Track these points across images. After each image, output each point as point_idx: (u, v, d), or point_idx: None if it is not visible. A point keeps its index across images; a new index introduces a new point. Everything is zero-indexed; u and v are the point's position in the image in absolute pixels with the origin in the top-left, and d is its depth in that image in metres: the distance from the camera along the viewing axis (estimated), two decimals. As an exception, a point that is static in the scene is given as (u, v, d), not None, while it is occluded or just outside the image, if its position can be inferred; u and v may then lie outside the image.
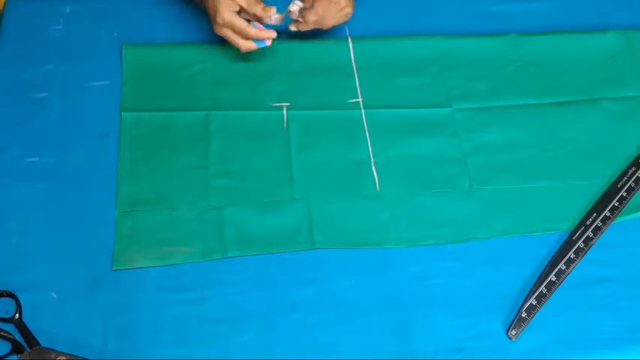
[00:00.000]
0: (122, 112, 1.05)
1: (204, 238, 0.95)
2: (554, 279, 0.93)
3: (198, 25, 1.15)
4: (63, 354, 0.85)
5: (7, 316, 0.88)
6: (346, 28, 1.16)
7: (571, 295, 0.94)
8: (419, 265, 0.95)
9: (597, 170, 1.05)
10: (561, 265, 0.95)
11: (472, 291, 0.94)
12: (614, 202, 1.01)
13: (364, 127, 1.07)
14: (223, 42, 1.08)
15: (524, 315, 0.91)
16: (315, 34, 1.14)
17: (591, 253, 0.97)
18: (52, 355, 0.85)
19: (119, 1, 1.16)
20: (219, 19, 1.02)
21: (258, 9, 1.04)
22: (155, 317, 0.89)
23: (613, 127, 1.09)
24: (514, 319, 0.91)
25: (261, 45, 1.06)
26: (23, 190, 0.97)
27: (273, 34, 1.05)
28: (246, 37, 1.04)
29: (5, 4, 1.15)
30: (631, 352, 0.91)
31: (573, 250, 0.96)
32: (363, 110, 1.08)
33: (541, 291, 0.92)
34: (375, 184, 1.02)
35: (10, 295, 0.89)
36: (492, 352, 0.89)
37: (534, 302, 0.92)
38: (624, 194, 1.02)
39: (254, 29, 1.04)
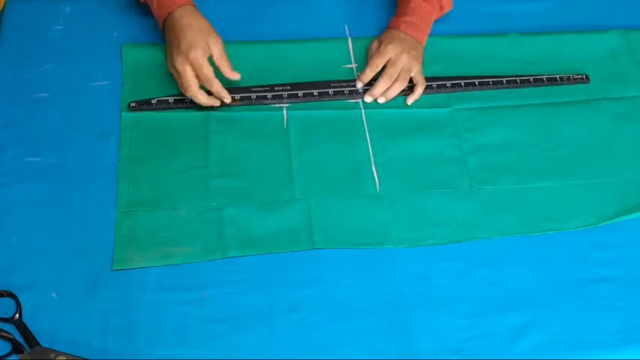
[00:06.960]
0: (122, 112, 1.05)
1: (204, 238, 0.95)
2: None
3: (199, 25, 1.15)
4: (63, 354, 0.85)
5: (7, 316, 0.88)
6: (346, 29, 1.16)
7: (571, 295, 0.94)
8: (419, 265, 0.95)
9: (597, 170, 1.05)
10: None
11: (472, 291, 0.94)
12: None
13: (364, 127, 1.06)
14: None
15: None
16: (315, 34, 1.15)
17: (591, 253, 0.97)
18: (52, 355, 0.85)
19: (119, 1, 1.16)
20: (191, 54, 0.97)
21: (226, 67, 1.01)
22: (155, 317, 0.89)
23: (613, 127, 1.09)
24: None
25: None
26: (23, 190, 0.97)
27: (229, 99, 1.03)
28: (205, 87, 1.00)
29: (5, 3, 1.15)
30: (631, 352, 0.91)
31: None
32: (363, 110, 1.08)
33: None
34: (375, 184, 1.02)
35: (10, 295, 0.89)
36: (492, 352, 0.89)
37: None
38: None
39: (218, 84, 1.00)
